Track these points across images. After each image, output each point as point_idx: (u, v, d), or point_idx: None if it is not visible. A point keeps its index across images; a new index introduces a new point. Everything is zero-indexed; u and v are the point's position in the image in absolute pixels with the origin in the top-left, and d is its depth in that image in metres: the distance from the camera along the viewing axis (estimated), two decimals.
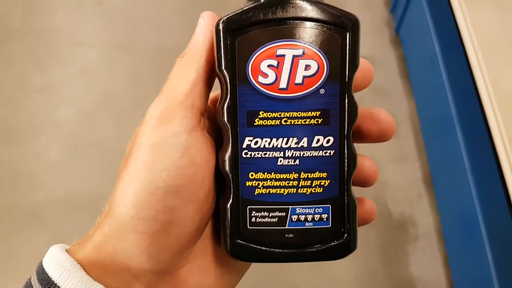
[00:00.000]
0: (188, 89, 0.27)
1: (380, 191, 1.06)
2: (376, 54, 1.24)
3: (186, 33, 1.47)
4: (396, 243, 1.01)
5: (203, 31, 0.28)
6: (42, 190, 1.04)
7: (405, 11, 1.17)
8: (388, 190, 1.06)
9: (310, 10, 0.27)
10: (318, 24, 0.27)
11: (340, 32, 0.27)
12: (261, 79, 0.27)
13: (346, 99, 0.27)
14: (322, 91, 0.27)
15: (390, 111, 1.18)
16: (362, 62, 0.29)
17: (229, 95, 0.27)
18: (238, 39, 0.27)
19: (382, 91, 1.19)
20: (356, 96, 1.11)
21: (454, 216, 0.92)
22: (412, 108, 1.16)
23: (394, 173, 1.08)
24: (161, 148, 0.26)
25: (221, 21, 0.27)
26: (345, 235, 0.29)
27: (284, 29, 0.26)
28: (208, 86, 0.29)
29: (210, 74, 0.29)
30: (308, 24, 0.27)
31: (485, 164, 0.84)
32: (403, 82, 1.20)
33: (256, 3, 0.27)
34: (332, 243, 0.28)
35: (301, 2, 0.27)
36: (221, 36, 0.27)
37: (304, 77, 0.27)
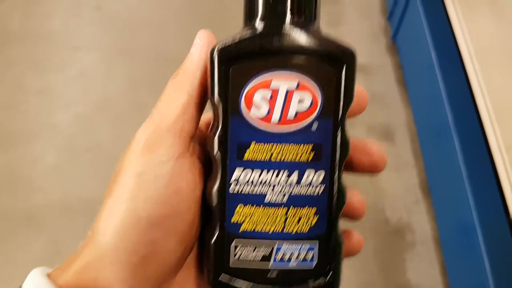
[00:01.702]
0: (178, 113, 0.27)
1: (377, 198, 1.06)
2: (373, 61, 1.25)
3: (184, 38, 1.48)
4: (393, 250, 1.00)
5: (198, 51, 0.28)
6: (39, 194, 1.04)
7: (401, 19, 1.18)
8: (385, 197, 1.06)
9: (306, 42, 0.26)
10: (314, 56, 0.26)
11: (336, 65, 0.26)
12: (254, 111, 0.26)
13: (339, 135, 0.27)
14: (315, 126, 0.26)
15: (387, 118, 1.18)
16: (357, 89, 0.28)
17: (220, 125, 0.26)
18: (232, 68, 0.26)
19: (379, 98, 1.19)
20: (353, 102, 1.09)
21: (452, 223, 0.92)
22: (409, 116, 1.16)
23: (391, 180, 1.08)
24: (145, 177, 0.26)
25: (215, 50, 0.26)
26: (330, 274, 0.28)
27: (279, 60, 0.26)
28: (200, 109, 0.28)
29: (203, 97, 0.28)
30: (304, 56, 0.26)
31: (482, 172, 0.84)
32: (400, 90, 1.20)
33: (252, 33, 0.26)
34: (317, 282, 0.28)
35: (298, 33, 0.26)
36: (215, 65, 0.26)
37: (298, 111, 0.26)
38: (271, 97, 0.26)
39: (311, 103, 0.26)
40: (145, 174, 0.26)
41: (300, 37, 0.26)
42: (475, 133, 0.88)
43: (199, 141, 0.29)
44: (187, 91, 0.27)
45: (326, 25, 1.31)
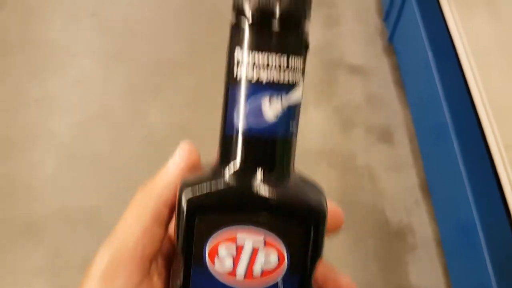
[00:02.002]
0: (138, 237, 0.26)
1: (377, 199, 1.06)
2: (369, 63, 1.25)
3: (181, 43, 1.48)
4: (394, 252, 1.00)
5: (173, 168, 0.27)
6: (38, 203, 1.03)
7: (398, 20, 1.18)
8: (385, 198, 1.06)
9: (275, 199, 0.25)
10: (281, 214, 0.25)
11: (303, 225, 0.25)
12: (217, 264, 0.25)
13: None
14: (280, 284, 0.25)
15: (385, 119, 1.18)
16: (332, 208, 0.27)
17: (182, 276, 0.25)
18: (199, 218, 0.25)
19: (377, 99, 1.19)
20: (353, 104, 1.10)
21: (452, 223, 0.92)
22: (407, 116, 1.16)
23: (390, 181, 1.08)
24: None
25: (183, 198, 0.25)
26: None
27: (246, 215, 0.25)
28: (165, 226, 0.27)
29: (168, 216, 0.27)
30: (272, 213, 0.25)
31: (481, 171, 0.84)
32: (398, 90, 1.20)
33: (222, 184, 0.26)
34: None
35: (268, 189, 0.25)
36: (182, 214, 0.25)
37: (263, 269, 0.25)
38: (236, 252, 0.25)
39: (277, 261, 0.25)
40: None
41: (270, 194, 0.25)
42: (474, 133, 0.88)
43: (165, 252, 0.28)
44: (149, 213, 0.26)
45: (323, 27, 1.31)
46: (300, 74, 0.25)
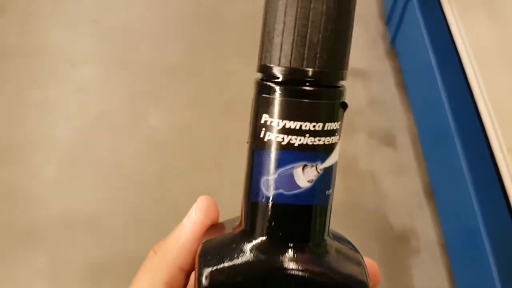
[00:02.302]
0: None
1: (380, 203, 1.05)
2: (372, 66, 1.25)
3: (181, 47, 1.48)
4: (398, 256, 0.99)
5: (188, 230, 0.25)
6: (39, 209, 1.03)
7: (399, 23, 1.18)
8: (388, 202, 1.05)
9: (308, 283, 0.22)
10: None
11: None
12: None
13: None
14: None
15: (388, 123, 1.18)
16: (369, 265, 0.25)
17: None
18: None
19: (380, 103, 1.19)
20: (355, 108, 1.10)
21: (456, 227, 0.92)
22: (410, 119, 1.16)
23: (394, 185, 1.07)
24: None
25: (204, 272, 0.22)
26: None
27: None
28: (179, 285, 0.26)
29: (184, 281, 0.25)
30: None
31: (485, 174, 0.83)
32: (400, 94, 1.20)
33: (246, 260, 0.23)
34: None
35: (301, 265, 0.22)
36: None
37: None
38: None
39: None
40: None
41: (302, 276, 0.22)
42: (477, 135, 0.87)
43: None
44: (163, 280, 0.25)
45: None
46: (337, 136, 0.22)
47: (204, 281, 0.22)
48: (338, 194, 1.13)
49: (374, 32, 1.30)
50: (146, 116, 1.15)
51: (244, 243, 0.23)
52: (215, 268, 0.22)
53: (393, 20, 1.22)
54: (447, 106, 0.92)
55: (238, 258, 0.22)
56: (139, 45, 1.28)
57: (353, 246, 0.25)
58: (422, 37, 1.02)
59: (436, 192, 1.02)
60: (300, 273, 0.22)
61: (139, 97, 1.19)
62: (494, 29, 0.96)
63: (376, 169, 1.09)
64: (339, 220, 1.12)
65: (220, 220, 0.27)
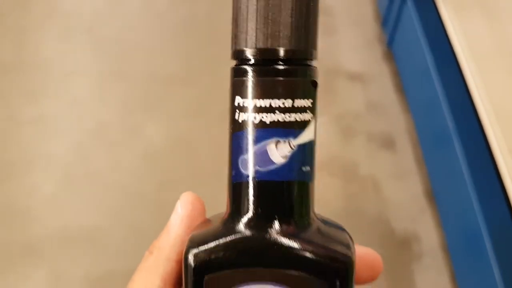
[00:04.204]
0: None
1: (381, 208, 1.04)
2: (369, 69, 1.24)
3: (177, 57, 1.48)
4: (401, 261, 0.99)
5: (176, 224, 0.26)
6: (37, 224, 1.03)
7: (396, 26, 1.17)
8: (389, 207, 1.05)
9: (294, 253, 0.23)
10: (302, 270, 0.23)
11: (328, 279, 0.23)
12: None
13: None
14: None
15: (387, 126, 1.17)
16: (368, 254, 0.26)
17: None
18: (207, 277, 0.23)
19: (378, 106, 1.19)
20: (353, 112, 1.10)
21: (458, 230, 0.91)
22: (409, 122, 1.15)
23: (395, 189, 1.07)
24: None
25: (190, 254, 0.23)
26: None
27: (261, 272, 0.23)
28: (178, 282, 0.27)
29: (178, 277, 0.26)
30: (290, 269, 0.23)
31: (485, 176, 0.83)
32: (398, 97, 1.19)
33: (232, 238, 0.23)
34: None
35: (285, 241, 0.23)
36: (188, 272, 0.23)
37: None
38: None
39: None
40: None
41: (288, 246, 0.23)
42: (477, 137, 0.87)
43: None
44: (160, 275, 0.25)
45: (320, 35, 1.30)
46: (309, 114, 0.23)
47: (191, 262, 0.23)
48: (339, 200, 1.13)
49: (370, 35, 1.30)
50: (143, 127, 1.14)
51: (227, 224, 0.24)
52: (200, 248, 0.23)
53: (389, 22, 1.21)
54: (445, 108, 0.92)
55: (222, 237, 0.23)
56: (134, 56, 1.28)
57: (344, 229, 0.25)
58: (418, 39, 1.02)
59: (437, 196, 1.01)
60: (285, 248, 0.23)
61: (135, 108, 1.18)
62: (490, 29, 0.95)
63: (376, 174, 1.09)
64: None
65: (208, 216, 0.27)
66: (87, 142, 1.13)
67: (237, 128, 0.24)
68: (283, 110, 0.23)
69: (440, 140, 0.97)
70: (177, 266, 0.25)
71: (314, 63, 0.24)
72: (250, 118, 0.23)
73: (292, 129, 0.23)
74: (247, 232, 0.23)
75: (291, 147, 0.23)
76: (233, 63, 0.24)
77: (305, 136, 0.23)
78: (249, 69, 0.23)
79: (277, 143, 0.23)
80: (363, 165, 1.10)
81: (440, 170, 1.00)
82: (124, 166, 1.08)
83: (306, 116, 0.23)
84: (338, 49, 1.28)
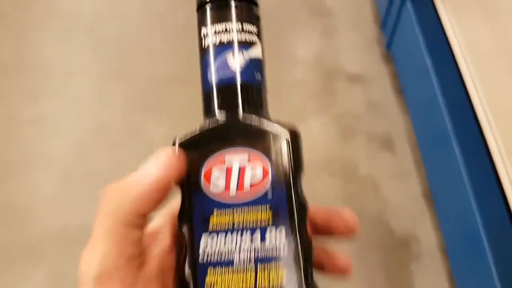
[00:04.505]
0: (116, 249, 0.27)
1: (381, 209, 1.05)
2: (368, 70, 1.25)
3: (177, 59, 1.48)
4: (400, 261, 0.99)
5: (152, 179, 0.28)
6: (37, 225, 1.03)
7: (395, 27, 1.18)
8: (389, 207, 1.05)
9: (254, 125, 0.30)
10: (262, 134, 0.30)
11: (281, 141, 0.30)
12: (212, 187, 0.29)
13: (294, 197, 0.29)
14: (269, 193, 0.29)
15: (386, 127, 1.17)
16: (347, 212, 0.32)
17: (185, 202, 0.29)
18: (189, 152, 0.30)
19: (377, 107, 1.19)
20: (353, 113, 1.10)
21: (456, 231, 0.91)
22: (407, 123, 1.15)
23: (394, 190, 1.07)
24: None
25: (177, 143, 0.30)
26: None
27: (231, 140, 0.29)
28: (144, 225, 0.29)
29: (143, 222, 0.28)
30: (253, 134, 0.30)
31: (483, 176, 0.83)
32: (397, 98, 1.20)
33: (207, 125, 0.30)
34: None
35: (247, 119, 0.30)
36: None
37: (251, 183, 0.29)
38: (226, 172, 0.29)
39: (263, 173, 0.29)
40: None
41: (250, 122, 0.30)
42: (475, 138, 0.87)
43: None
44: (119, 221, 0.28)
45: (320, 36, 1.31)
46: (255, 37, 0.31)
47: (176, 144, 0.30)
48: (339, 201, 1.13)
49: (369, 36, 1.30)
50: (143, 127, 1.15)
51: (202, 124, 0.31)
52: (183, 139, 0.30)
53: (388, 24, 1.22)
54: (444, 109, 0.92)
55: (199, 128, 0.30)
56: (134, 57, 1.28)
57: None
58: (417, 40, 1.02)
59: (436, 196, 1.02)
60: (247, 123, 0.30)
61: (135, 108, 1.18)
62: (489, 31, 0.96)
63: (376, 175, 1.09)
64: None
65: None
66: (87, 142, 1.14)
67: (204, 53, 0.31)
68: (236, 31, 0.31)
69: (438, 141, 0.97)
70: (140, 217, 0.28)
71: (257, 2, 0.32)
72: (212, 41, 0.31)
73: (244, 45, 0.31)
74: (217, 121, 0.30)
75: (244, 58, 0.30)
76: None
77: (255, 52, 0.31)
78: (207, 5, 0.31)
79: (233, 53, 0.30)
80: (363, 166, 1.10)
81: (438, 170, 1.00)
82: (124, 166, 1.08)
83: (254, 38, 0.31)
84: (338, 51, 1.28)
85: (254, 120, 0.30)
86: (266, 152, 0.29)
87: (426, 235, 1.02)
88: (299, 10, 1.34)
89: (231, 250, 0.28)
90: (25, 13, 1.36)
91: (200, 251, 0.28)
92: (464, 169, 0.85)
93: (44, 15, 1.36)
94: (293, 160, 0.29)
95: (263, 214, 0.29)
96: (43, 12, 1.36)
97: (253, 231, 0.29)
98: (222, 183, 0.29)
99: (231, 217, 0.29)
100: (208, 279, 0.28)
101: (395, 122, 1.16)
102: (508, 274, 0.75)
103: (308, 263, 0.29)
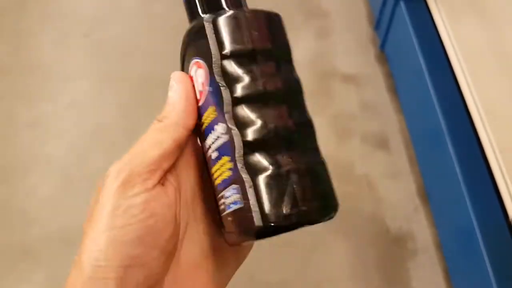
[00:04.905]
0: (156, 157, 0.29)
1: (376, 207, 1.06)
2: (362, 71, 1.26)
3: (174, 62, 1.48)
4: (396, 259, 1.00)
5: (177, 97, 0.30)
6: (35, 227, 1.03)
7: (388, 28, 1.18)
8: (384, 206, 1.06)
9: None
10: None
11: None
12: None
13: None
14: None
15: (380, 127, 1.18)
16: None
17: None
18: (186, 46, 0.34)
19: (371, 107, 1.20)
20: (348, 113, 1.11)
21: (451, 228, 0.92)
22: (402, 123, 1.17)
23: (389, 188, 1.08)
24: (122, 209, 0.27)
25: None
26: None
27: None
28: (185, 143, 0.30)
29: (187, 139, 0.30)
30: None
31: (478, 175, 0.84)
32: (391, 98, 1.21)
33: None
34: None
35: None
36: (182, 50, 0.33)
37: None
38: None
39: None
40: (121, 206, 0.27)
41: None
42: (469, 137, 0.88)
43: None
44: (171, 137, 0.29)
45: (314, 37, 1.32)
46: None
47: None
48: None
49: (364, 37, 1.31)
50: (141, 129, 1.15)
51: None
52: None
53: (382, 25, 1.23)
54: (438, 108, 0.93)
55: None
56: (132, 59, 1.29)
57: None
58: (411, 41, 1.03)
59: (430, 195, 1.03)
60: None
61: (133, 110, 1.19)
62: (482, 31, 0.97)
63: (371, 174, 1.10)
64: (337, 226, 1.13)
65: None
66: (85, 144, 1.14)
67: None
68: None
69: (433, 140, 0.98)
70: (185, 132, 0.30)
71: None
72: None
73: None
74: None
75: None
76: None
77: None
78: None
79: None
80: (358, 165, 1.11)
81: (433, 169, 1.01)
82: None
83: None
84: (332, 52, 1.29)
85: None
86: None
87: (421, 232, 1.02)
88: (294, 11, 1.35)
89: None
90: (22, 16, 1.36)
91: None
92: (458, 167, 0.86)
93: (40, 19, 1.36)
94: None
95: None
96: (41, 15, 1.37)
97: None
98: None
99: None
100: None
101: (390, 121, 1.17)
102: (503, 270, 0.76)
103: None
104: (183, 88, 0.30)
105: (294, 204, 0.27)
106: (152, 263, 0.28)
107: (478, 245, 0.79)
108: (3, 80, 1.26)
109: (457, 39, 0.97)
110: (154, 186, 0.28)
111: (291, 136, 0.29)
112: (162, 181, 0.29)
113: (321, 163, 0.31)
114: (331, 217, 0.29)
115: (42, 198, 1.07)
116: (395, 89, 1.20)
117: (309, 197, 0.28)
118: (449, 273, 0.95)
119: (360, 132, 1.16)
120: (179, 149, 0.30)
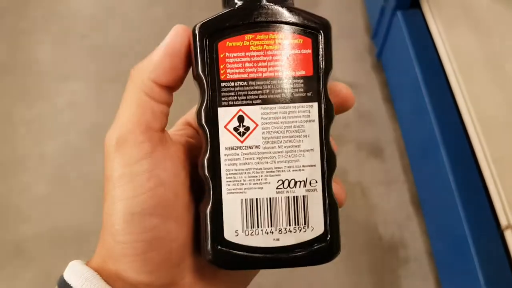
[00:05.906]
0: (136, 114, 0.28)
1: (369, 215, 1.06)
2: (359, 80, 1.27)
3: None
4: (387, 267, 1.00)
5: (159, 51, 0.29)
6: (28, 225, 1.03)
7: (385, 38, 1.20)
8: (377, 213, 1.06)
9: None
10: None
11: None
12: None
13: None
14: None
15: (375, 135, 1.19)
16: (342, 89, 0.30)
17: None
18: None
19: (367, 115, 1.21)
20: (342, 121, 1.12)
21: (444, 237, 0.93)
22: (397, 132, 1.17)
23: (382, 196, 1.09)
24: (127, 178, 0.27)
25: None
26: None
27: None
28: (164, 102, 0.29)
29: (160, 93, 0.29)
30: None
31: (471, 184, 0.85)
32: (387, 107, 1.22)
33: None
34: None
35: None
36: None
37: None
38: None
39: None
40: (125, 175, 0.27)
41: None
42: (463, 146, 0.89)
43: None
44: (140, 89, 0.28)
45: None
46: None
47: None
48: None
49: (360, 46, 1.32)
50: None
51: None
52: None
53: (379, 34, 1.24)
54: (433, 119, 0.94)
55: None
56: (129, 60, 1.29)
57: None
58: (407, 51, 1.04)
59: (424, 203, 1.03)
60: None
61: None
62: (478, 42, 0.98)
63: (364, 181, 1.10)
64: None
65: None
66: (80, 144, 1.14)
67: None
68: None
69: (427, 149, 0.99)
70: (157, 86, 0.28)
71: None
72: None
73: None
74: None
75: None
76: None
77: None
78: None
79: None
80: (352, 173, 1.11)
81: (426, 177, 1.02)
82: None
83: None
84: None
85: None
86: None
87: (414, 240, 1.03)
88: None
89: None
90: (21, 16, 1.36)
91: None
92: (452, 176, 0.86)
93: (39, 19, 1.36)
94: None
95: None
96: (40, 15, 1.37)
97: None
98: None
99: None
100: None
101: (384, 130, 1.18)
102: (494, 279, 0.76)
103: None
104: (171, 43, 0.29)
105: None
106: (171, 236, 0.27)
107: (470, 254, 0.79)
108: (1, 78, 1.25)
109: (452, 48, 0.98)
110: (154, 149, 0.27)
111: None
112: (164, 141, 0.28)
113: None
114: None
115: (36, 196, 1.06)
116: (391, 98, 1.21)
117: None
118: (441, 282, 0.95)
119: (355, 140, 1.16)
120: (157, 101, 0.28)
